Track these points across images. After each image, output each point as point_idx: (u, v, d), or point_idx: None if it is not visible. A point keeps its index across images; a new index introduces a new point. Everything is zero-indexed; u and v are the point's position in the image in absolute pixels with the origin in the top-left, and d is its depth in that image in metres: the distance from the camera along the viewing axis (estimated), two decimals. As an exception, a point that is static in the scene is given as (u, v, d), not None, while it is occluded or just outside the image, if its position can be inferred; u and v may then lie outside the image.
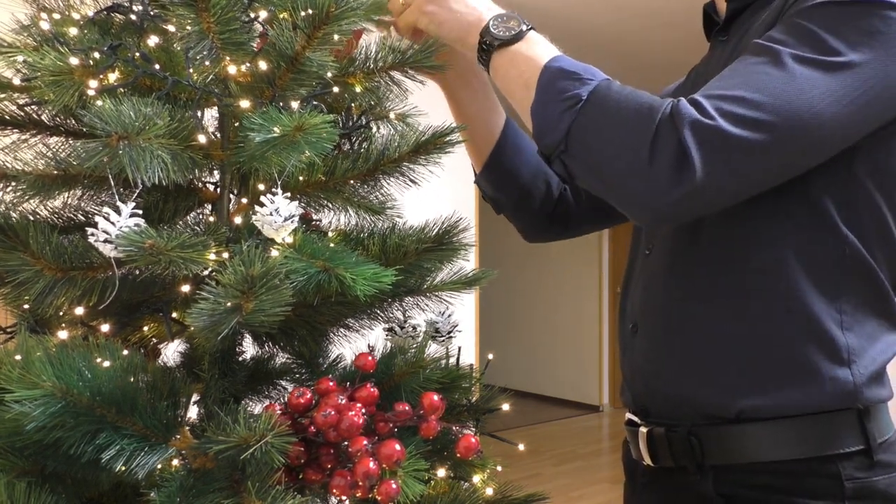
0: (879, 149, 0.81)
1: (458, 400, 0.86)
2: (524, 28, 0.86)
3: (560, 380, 7.13)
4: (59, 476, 0.68)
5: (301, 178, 0.80)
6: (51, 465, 0.66)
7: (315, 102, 0.75)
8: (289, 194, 0.70)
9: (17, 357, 0.64)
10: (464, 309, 3.31)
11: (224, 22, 0.68)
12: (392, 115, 0.88)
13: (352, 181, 0.84)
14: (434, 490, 0.80)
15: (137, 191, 0.65)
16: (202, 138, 0.69)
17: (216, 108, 0.75)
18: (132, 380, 0.66)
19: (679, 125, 0.73)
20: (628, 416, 1.00)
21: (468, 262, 0.89)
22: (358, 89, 0.79)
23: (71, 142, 0.79)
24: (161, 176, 0.64)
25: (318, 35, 0.70)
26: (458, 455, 0.77)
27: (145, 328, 0.83)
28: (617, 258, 6.74)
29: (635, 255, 1.03)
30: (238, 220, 0.74)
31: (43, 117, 0.79)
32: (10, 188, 0.76)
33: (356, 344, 0.88)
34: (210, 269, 0.67)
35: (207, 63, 0.70)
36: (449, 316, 0.90)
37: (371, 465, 0.67)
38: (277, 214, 0.67)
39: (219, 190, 0.78)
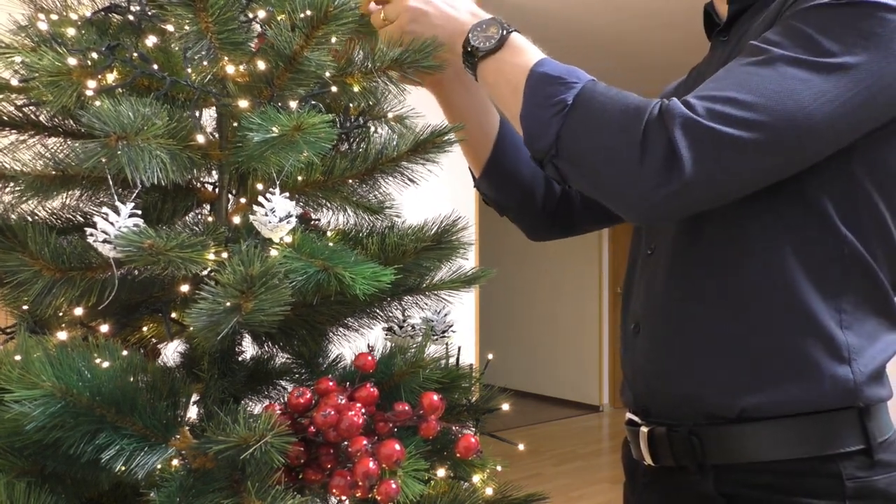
0: (877, 148, 0.81)
1: (458, 400, 0.86)
2: (504, 33, 0.86)
3: (560, 380, 7.13)
4: (58, 476, 0.68)
5: (299, 177, 0.80)
6: (50, 465, 0.66)
7: (313, 102, 0.75)
8: (287, 194, 0.70)
9: (17, 357, 0.64)
10: (464, 309, 3.31)
11: (222, 22, 0.68)
12: (390, 116, 0.88)
13: (350, 181, 0.84)
14: (434, 490, 0.80)
15: (136, 191, 0.65)
16: (200, 138, 0.69)
17: (214, 107, 0.75)
18: (132, 380, 0.66)
19: (669, 124, 0.74)
20: (629, 415, 1.00)
21: (467, 261, 0.89)
22: (356, 89, 0.79)
23: (69, 142, 0.79)
24: (160, 176, 0.64)
25: (317, 35, 0.70)
26: (458, 455, 0.77)
27: (144, 328, 0.83)
28: (617, 258, 6.74)
29: (636, 255, 1.03)
30: (237, 219, 0.74)
31: (41, 118, 0.79)
32: (8, 189, 0.76)
33: (356, 344, 0.88)
34: (209, 269, 0.67)
35: (205, 63, 0.70)
36: (445, 315, 0.90)
37: (371, 465, 0.67)
38: (273, 214, 0.67)
39: (217, 190, 0.78)
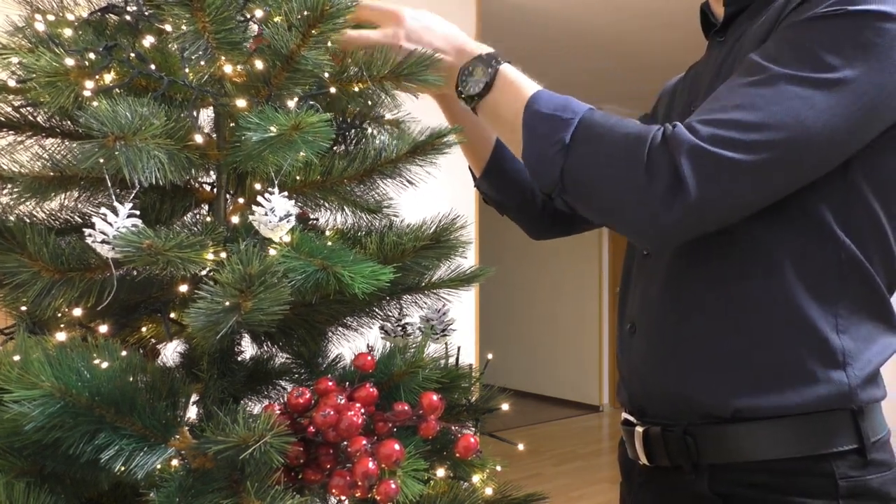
0: (875, 154, 0.81)
1: (458, 400, 0.86)
2: (491, 70, 0.86)
3: (560, 380, 7.13)
4: (58, 476, 0.68)
5: (298, 177, 0.80)
6: (50, 466, 0.66)
7: (311, 102, 0.75)
8: (286, 193, 0.69)
9: (16, 358, 0.64)
10: (463, 308, 3.31)
11: (219, 21, 0.68)
12: (387, 117, 0.88)
13: (348, 181, 0.83)
14: (433, 490, 0.79)
15: (134, 191, 0.65)
16: (198, 138, 0.69)
17: (212, 107, 0.75)
18: (131, 380, 0.66)
19: (674, 151, 0.74)
20: (625, 415, 1.01)
21: (466, 260, 0.89)
22: (356, 88, 0.79)
23: (67, 143, 0.79)
24: (158, 176, 0.64)
25: (314, 33, 0.70)
26: (458, 455, 0.77)
27: (144, 328, 0.83)
28: (617, 258, 6.74)
29: (633, 256, 1.03)
30: (235, 219, 0.74)
31: (39, 119, 0.79)
32: (6, 190, 0.76)
33: (355, 343, 0.88)
34: (208, 269, 0.67)
35: (203, 63, 0.70)
36: (444, 314, 0.90)
37: (370, 464, 0.67)
38: (273, 214, 0.67)
39: (215, 190, 0.77)
